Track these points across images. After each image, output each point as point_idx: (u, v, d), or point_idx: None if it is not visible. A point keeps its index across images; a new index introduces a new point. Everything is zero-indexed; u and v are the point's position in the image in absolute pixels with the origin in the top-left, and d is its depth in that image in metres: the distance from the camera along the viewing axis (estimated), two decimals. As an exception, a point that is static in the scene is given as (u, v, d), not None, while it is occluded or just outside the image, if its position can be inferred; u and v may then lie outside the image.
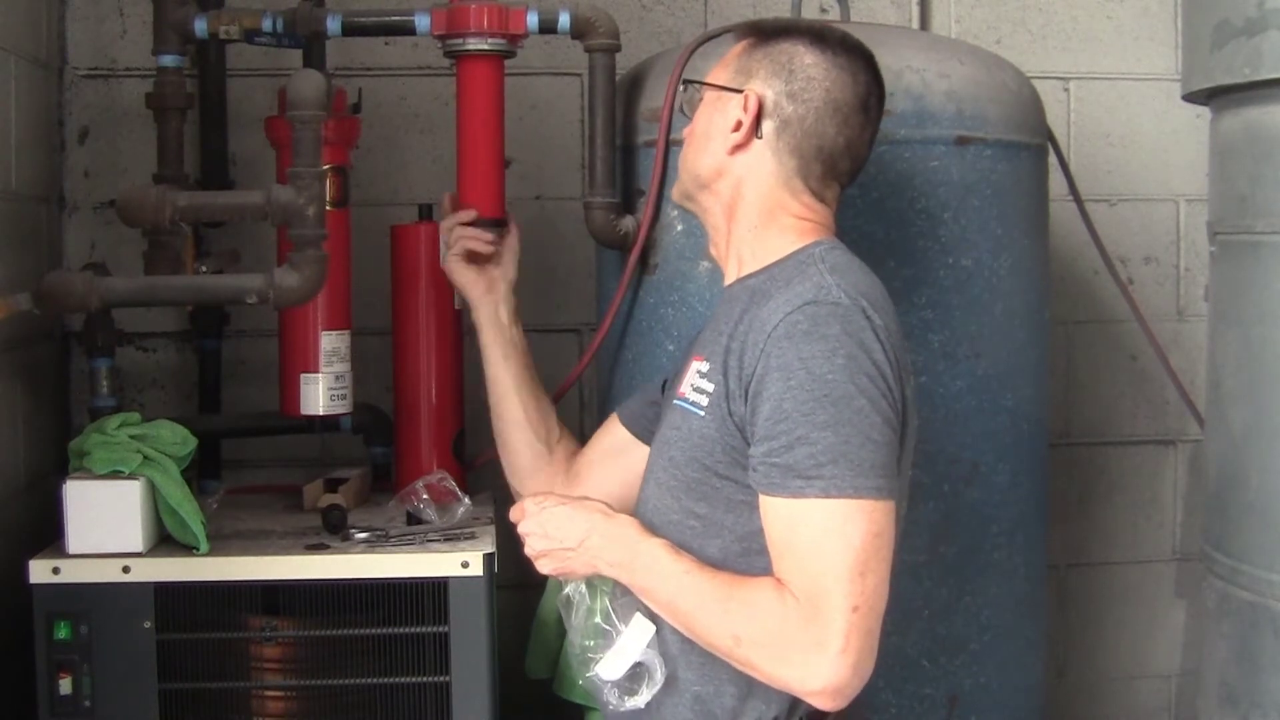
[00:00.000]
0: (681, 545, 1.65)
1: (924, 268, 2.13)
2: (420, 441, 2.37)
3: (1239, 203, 2.13)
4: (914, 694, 2.14)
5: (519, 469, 2.10)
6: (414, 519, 2.11)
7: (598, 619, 1.69)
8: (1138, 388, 3.01)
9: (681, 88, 1.90)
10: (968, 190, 2.16)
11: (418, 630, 1.98)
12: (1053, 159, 2.39)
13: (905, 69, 2.13)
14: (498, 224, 2.20)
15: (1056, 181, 2.44)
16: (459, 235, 2.16)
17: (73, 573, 1.93)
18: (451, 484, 2.15)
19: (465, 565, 1.98)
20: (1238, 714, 2.10)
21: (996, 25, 2.93)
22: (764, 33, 1.80)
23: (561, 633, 2.09)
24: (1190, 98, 2.27)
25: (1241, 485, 2.10)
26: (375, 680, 2.01)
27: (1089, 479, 3.01)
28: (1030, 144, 2.27)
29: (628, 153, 2.27)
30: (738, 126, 1.74)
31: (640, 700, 1.67)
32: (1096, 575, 3.02)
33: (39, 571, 1.92)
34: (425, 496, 2.11)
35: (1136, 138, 2.97)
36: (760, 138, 1.74)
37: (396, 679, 2.00)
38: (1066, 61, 2.94)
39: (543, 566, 1.74)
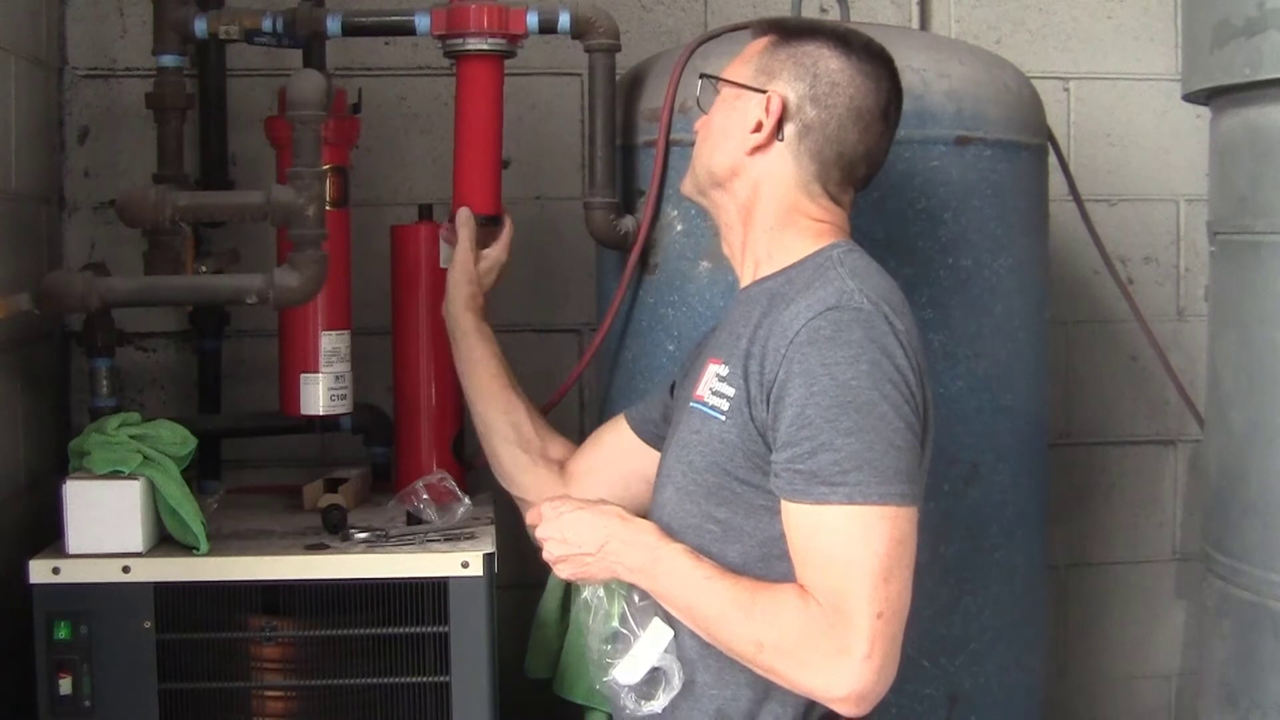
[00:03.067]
0: (701, 550, 1.65)
1: (924, 268, 2.13)
2: (420, 441, 2.37)
3: (1239, 203, 2.13)
4: (914, 694, 2.14)
5: (504, 473, 2.09)
6: (414, 519, 2.11)
7: (615, 623, 1.69)
8: (1138, 388, 3.01)
9: (698, 81, 1.88)
10: (968, 190, 2.16)
11: (418, 630, 1.98)
12: (1053, 159, 2.39)
13: (905, 69, 2.10)
14: (493, 221, 2.21)
15: (1056, 181, 2.44)
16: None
17: (73, 573, 1.92)
18: (451, 484, 2.15)
19: (465, 565, 1.98)
20: (1238, 714, 2.10)
21: (996, 25, 2.93)
22: (787, 32, 1.77)
23: (562, 632, 2.09)
24: (1190, 98, 2.27)
25: (1241, 485, 2.10)
26: (375, 680, 2.00)
27: (1089, 479, 3.01)
28: (1030, 144, 2.27)
29: (628, 153, 2.27)
30: (758, 127, 1.72)
31: (658, 705, 1.67)
32: (1096, 575, 3.03)
33: (39, 571, 1.92)
34: (425, 496, 2.11)
35: (1136, 138, 2.97)
36: (781, 140, 1.72)
37: (396, 679, 2.00)
38: (1066, 61, 2.94)
39: (561, 571, 1.73)
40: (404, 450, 2.39)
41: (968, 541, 2.18)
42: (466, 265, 2.14)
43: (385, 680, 2.00)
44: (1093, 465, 3.01)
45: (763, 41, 1.79)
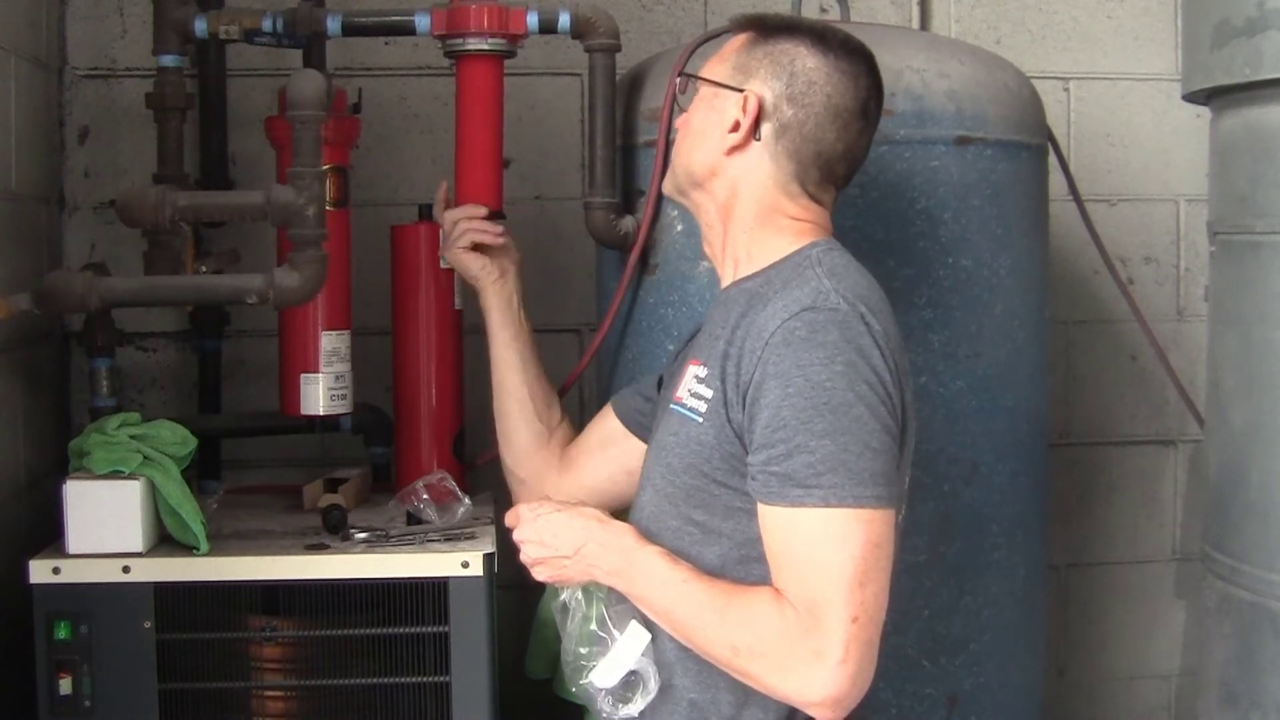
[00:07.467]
0: (680, 552, 1.64)
1: (924, 268, 2.13)
2: (420, 441, 2.37)
3: (1239, 203, 2.13)
4: (914, 694, 2.14)
5: (516, 449, 2.09)
6: (414, 519, 2.11)
7: (593, 626, 1.68)
8: (1138, 388, 3.01)
9: (678, 80, 1.88)
10: (968, 190, 2.16)
11: (418, 630, 1.98)
12: (1053, 159, 2.39)
13: (905, 69, 2.13)
14: (497, 216, 2.21)
15: (1056, 181, 2.44)
16: (465, 229, 2.15)
17: (73, 573, 1.92)
18: (451, 484, 2.15)
19: (465, 565, 1.98)
20: (1238, 714, 2.10)
21: (996, 25, 2.93)
22: (765, 28, 1.76)
23: (562, 633, 2.09)
24: (1190, 98, 2.27)
25: (1241, 485, 2.10)
26: (375, 680, 2.01)
27: (1089, 479, 3.01)
28: (1030, 144, 2.27)
29: (628, 153, 2.27)
30: (735, 127, 1.71)
31: (634, 709, 1.66)
32: (1096, 575, 3.03)
33: (39, 571, 1.92)
34: (425, 496, 2.11)
35: (1136, 138, 2.97)
36: (758, 140, 1.71)
37: (396, 679, 2.00)
38: (1066, 61, 2.95)
39: (539, 574, 1.72)
40: (404, 450, 2.39)
41: (968, 541, 2.18)
42: (516, 257, 2.17)
43: (385, 680, 2.00)
44: (1093, 465, 3.01)
45: (741, 39, 1.77)
